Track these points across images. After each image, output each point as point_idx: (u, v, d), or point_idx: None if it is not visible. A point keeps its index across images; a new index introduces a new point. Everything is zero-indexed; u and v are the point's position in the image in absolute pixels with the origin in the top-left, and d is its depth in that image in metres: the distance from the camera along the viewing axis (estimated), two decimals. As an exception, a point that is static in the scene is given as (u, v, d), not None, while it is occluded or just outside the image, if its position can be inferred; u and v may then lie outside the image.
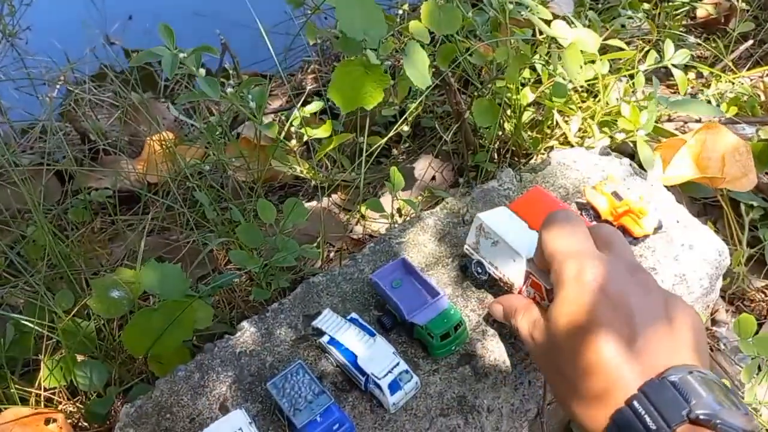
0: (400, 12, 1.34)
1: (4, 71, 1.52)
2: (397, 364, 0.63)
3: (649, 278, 0.53)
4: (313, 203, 1.12)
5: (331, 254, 1.03)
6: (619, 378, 0.46)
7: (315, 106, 0.96)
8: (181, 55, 0.71)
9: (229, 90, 0.81)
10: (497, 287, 0.71)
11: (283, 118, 1.25)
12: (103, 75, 1.66)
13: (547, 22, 0.85)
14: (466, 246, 0.72)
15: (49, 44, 1.65)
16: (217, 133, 1.20)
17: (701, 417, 0.42)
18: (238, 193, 1.14)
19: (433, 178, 1.14)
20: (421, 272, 0.70)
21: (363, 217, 1.05)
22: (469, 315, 0.71)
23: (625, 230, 0.75)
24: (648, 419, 0.43)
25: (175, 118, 1.43)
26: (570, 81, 0.95)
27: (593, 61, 0.97)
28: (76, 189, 1.13)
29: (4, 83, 1.52)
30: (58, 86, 1.56)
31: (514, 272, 0.66)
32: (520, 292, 0.67)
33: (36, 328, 0.75)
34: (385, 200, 1.01)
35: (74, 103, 1.40)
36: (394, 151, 1.23)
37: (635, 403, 0.44)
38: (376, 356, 0.64)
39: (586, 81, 1.01)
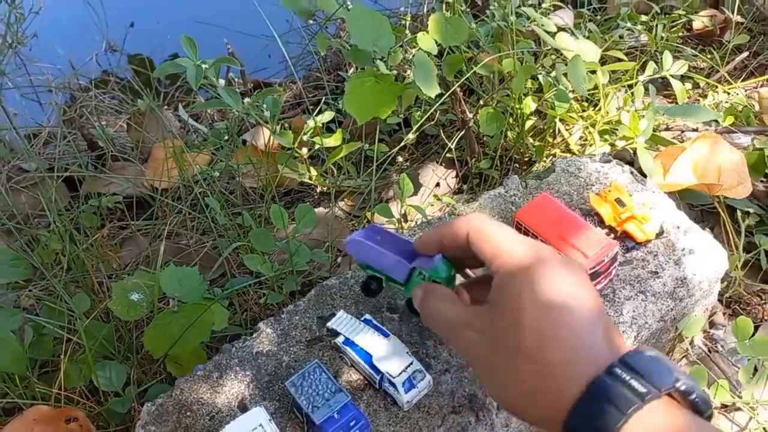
0: (403, 22, 1.38)
1: (8, 78, 1.55)
2: (411, 363, 0.66)
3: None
4: (320, 209, 1.15)
5: (339, 259, 1.05)
6: (594, 348, 0.44)
7: (327, 115, 0.99)
8: (204, 66, 0.73)
9: (246, 100, 0.83)
10: None
11: (286, 125, 1.28)
12: (105, 81, 1.68)
13: (552, 35, 0.88)
14: None
15: (51, 50, 1.67)
16: (225, 139, 1.23)
17: (685, 386, 0.42)
18: (246, 199, 1.17)
19: (437, 184, 1.17)
20: (396, 233, 0.67)
21: (369, 222, 1.07)
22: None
23: (628, 235, 0.78)
24: (635, 383, 0.41)
25: (181, 125, 1.46)
26: (572, 90, 0.98)
27: (593, 72, 1.00)
28: (85, 194, 1.15)
29: (8, 89, 1.55)
30: (61, 92, 1.58)
31: None
32: None
33: (56, 330, 0.77)
34: (391, 206, 1.03)
35: (80, 110, 1.42)
36: (399, 158, 1.26)
37: (617, 369, 0.42)
38: (391, 356, 0.66)
39: (587, 90, 1.04)
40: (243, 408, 0.67)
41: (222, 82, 0.81)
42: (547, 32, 0.88)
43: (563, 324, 0.45)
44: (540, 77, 1.06)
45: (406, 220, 1.06)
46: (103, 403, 0.78)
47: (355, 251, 0.64)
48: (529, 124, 1.11)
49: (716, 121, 1.18)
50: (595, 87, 1.06)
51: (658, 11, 1.25)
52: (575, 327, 0.45)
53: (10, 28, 1.41)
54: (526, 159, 1.15)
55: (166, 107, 1.56)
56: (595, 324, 0.46)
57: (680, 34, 1.37)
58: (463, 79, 0.99)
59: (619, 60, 1.06)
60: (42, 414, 0.73)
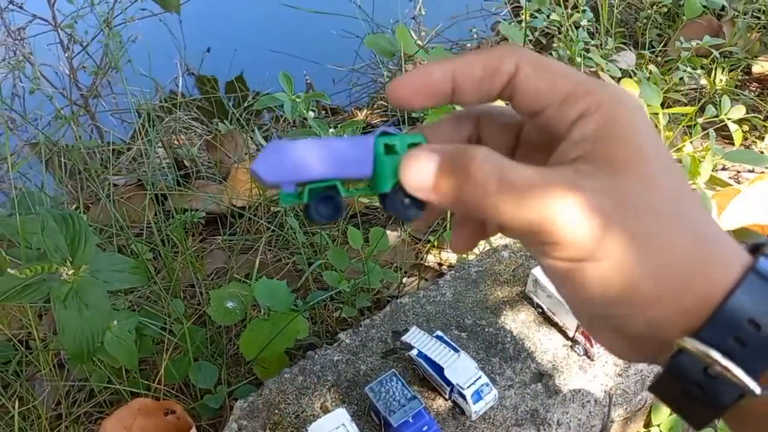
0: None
1: (101, 99, 1.69)
2: (480, 377, 0.72)
3: None
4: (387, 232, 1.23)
5: (405, 279, 1.13)
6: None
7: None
8: (297, 101, 0.82)
9: (331, 131, 0.92)
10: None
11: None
12: (180, 102, 1.81)
13: (617, 80, 0.94)
14: (527, 290, 0.85)
15: (136, 72, 1.81)
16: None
17: None
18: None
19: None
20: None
21: (434, 246, 1.15)
22: (540, 339, 0.80)
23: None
24: None
25: (257, 146, 1.57)
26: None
27: (655, 114, 1.06)
28: (169, 209, 1.26)
29: (102, 112, 1.69)
30: (145, 113, 1.71)
31: (568, 320, 0.79)
32: (573, 338, 0.78)
33: (158, 331, 0.86)
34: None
35: (165, 130, 1.54)
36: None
37: None
38: (461, 369, 0.73)
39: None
40: (325, 409, 0.75)
41: (312, 114, 0.90)
42: (612, 77, 0.94)
43: (687, 183, 0.32)
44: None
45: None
46: (195, 399, 0.87)
47: (272, 171, 0.30)
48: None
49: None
50: (655, 126, 1.11)
51: (718, 56, 1.30)
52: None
53: (108, 54, 1.55)
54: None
55: (239, 129, 1.68)
56: None
57: (739, 77, 1.41)
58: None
59: (678, 102, 1.11)
60: (145, 405, 0.82)
